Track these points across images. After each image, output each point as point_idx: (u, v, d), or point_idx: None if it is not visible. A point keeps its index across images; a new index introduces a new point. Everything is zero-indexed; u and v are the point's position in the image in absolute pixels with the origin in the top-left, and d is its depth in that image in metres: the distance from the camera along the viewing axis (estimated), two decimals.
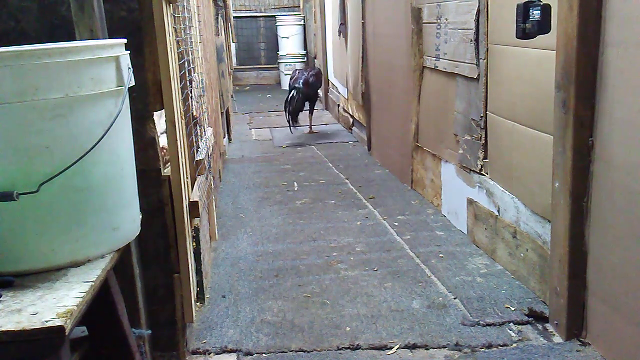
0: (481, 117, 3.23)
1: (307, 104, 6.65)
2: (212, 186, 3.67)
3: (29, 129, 1.36)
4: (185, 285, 2.24)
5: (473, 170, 3.40)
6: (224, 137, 5.91)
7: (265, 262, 3.29)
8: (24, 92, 1.34)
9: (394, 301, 2.78)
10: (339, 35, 6.82)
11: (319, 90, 7.00)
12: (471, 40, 3.25)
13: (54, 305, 1.27)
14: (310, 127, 6.96)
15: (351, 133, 6.76)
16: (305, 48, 10.89)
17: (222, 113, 5.64)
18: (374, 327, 2.55)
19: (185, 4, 2.73)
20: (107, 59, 1.50)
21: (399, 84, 4.62)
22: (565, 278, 2.38)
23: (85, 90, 1.43)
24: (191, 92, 2.81)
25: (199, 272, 2.66)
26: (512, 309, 2.66)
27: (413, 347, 2.40)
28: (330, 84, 8.25)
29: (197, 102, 3.07)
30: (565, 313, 2.40)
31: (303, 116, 6.71)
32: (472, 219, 3.43)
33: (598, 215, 2.26)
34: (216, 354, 2.41)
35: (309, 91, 6.54)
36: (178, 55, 2.35)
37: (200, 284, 2.72)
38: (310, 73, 6.69)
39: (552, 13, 2.31)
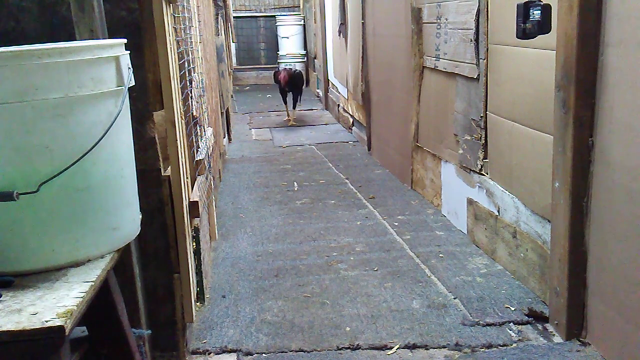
0: (481, 117, 3.23)
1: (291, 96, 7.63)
2: (212, 186, 3.67)
3: (29, 129, 1.36)
4: (185, 285, 2.24)
5: (473, 170, 3.40)
6: (224, 137, 5.91)
7: (265, 262, 3.29)
8: (24, 92, 1.34)
9: (394, 301, 2.78)
10: (339, 35, 6.82)
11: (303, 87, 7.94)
12: (471, 40, 3.25)
13: (54, 305, 1.27)
14: (289, 117, 7.77)
15: (351, 133, 6.76)
16: (305, 48, 10.89)
17: (222, 113, 5.64)
18: (374, 327, 2.55)
19: (185, 4, 2.73)
20: (107, 59, 1.50)
21: (399, 84, 4.62)
22: (565, 278, 2.38)
23: (85, 90, 1.43)
24: (191, 92, 2.81)
25: (199, 272, 2.66)
26: (512, 309, 2.66)
27: (413, 347, 2.40)
28: (330, 84, 8.25)
29: (197, 102, 3.07)
30: (565, 313, 2.40)
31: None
32: (472, 219, 3.43)
33: (598, 215, 2.26)
34: (216, 354, 2.41)
35: (297, 81, 7.50)
36: (178, 55, 2.35)
37: (200, 284, 2.72)
38: (294, 70, 7.68)
39: (552, 13, 2.31)
